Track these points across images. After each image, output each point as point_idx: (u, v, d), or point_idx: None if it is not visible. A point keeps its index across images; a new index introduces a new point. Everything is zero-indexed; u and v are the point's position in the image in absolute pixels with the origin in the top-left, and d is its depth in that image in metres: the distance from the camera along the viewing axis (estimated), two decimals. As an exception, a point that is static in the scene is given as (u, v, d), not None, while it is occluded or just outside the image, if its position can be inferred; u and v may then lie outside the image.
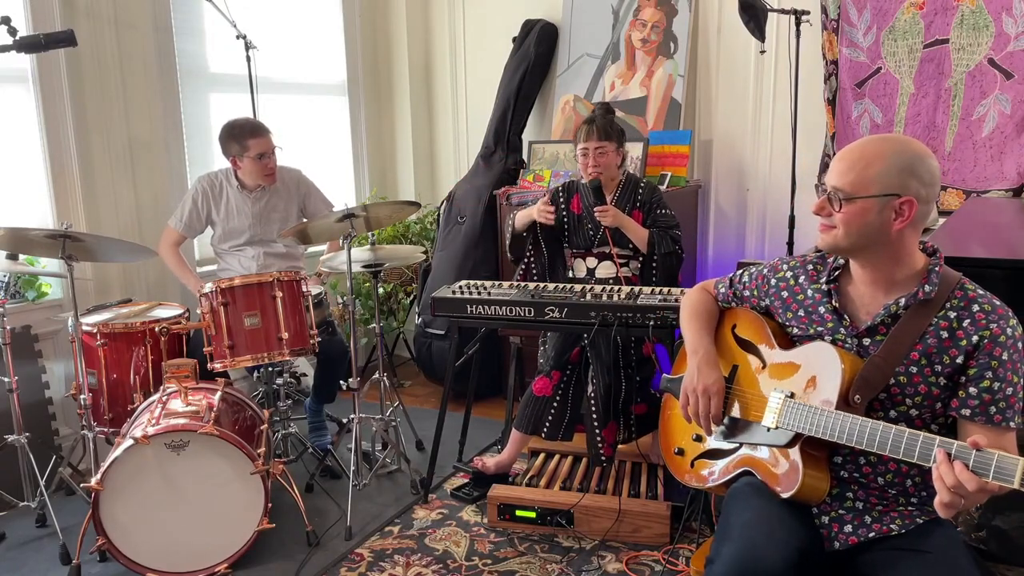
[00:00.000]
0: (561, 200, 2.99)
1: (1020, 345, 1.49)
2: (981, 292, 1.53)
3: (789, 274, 1.74)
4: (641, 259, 2.91)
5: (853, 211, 1.52)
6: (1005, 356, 1.47)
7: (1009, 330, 1.48)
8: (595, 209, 2.80)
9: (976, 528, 2.25)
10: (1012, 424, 1.48)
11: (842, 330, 1.61)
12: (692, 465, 1.82)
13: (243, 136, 3.13)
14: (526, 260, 3.06)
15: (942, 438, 1.35)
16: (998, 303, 1.51)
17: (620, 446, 2.85)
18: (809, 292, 1.69)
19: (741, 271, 1.87)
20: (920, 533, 1.53)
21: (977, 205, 3.07)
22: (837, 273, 1.66)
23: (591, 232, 2.92)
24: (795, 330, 1.70)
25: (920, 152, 1.52)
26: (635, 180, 2.97)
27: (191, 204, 3.23)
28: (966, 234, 2.51)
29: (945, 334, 1.50)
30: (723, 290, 1.89)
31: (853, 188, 1.52)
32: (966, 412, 1.49)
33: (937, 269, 1.54)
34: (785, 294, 1.73)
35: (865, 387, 1.52)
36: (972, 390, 1.48)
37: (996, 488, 1.29)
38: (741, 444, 1.70)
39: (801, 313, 1.69)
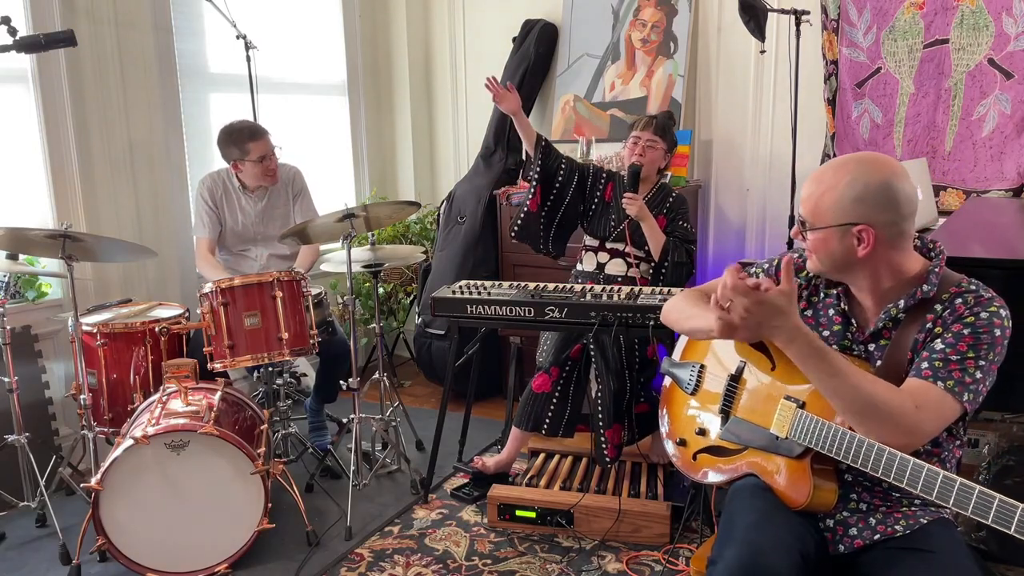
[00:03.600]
0: (601, 182, 3.00)
1: (996, 332, 1.45)
2: (973, 288, 1.51)
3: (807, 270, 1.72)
4: (654, 261, 2.91)
5: (816, 240, 1.54)
6: (966, 331, 1.45)
7: (984, 315, 1.46)
8: (625, 195, 2.81)
9: (976, 528, 2.25)
10: (942, 385, 1.43)
11: (848, 335, 1.60)
12: (694, 458, 1.80)
13: (242, 140, 3.13)
14: (533, 194, 2.99)
15: (963, 479, 1.31)
16: (987, 295, 1.49)
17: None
18: (822, 295, 1.68)
19: (753, 269, 1.82)
20: (922, 533, 1.52)
21: (977, 205, 3.07)
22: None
23: (612, 224, 2.93)
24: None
25: (880, 177, 1.48)
26: (668, 190, 2.99)
27: (205, 207, 3.23)
28: (966, 234, 2.51)
29: (929, 325, 1.50)
30: None
31: (812, 217, 1.54)
32: (911, 373, 1.48)
33: (937, 270, 1.53)
34: (804, 292, 1.71)
35: None
36: (922, 352, 1.48)
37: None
38: (747, 446, 1.67)
39: (808, 312, 1.68)
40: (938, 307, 1.51)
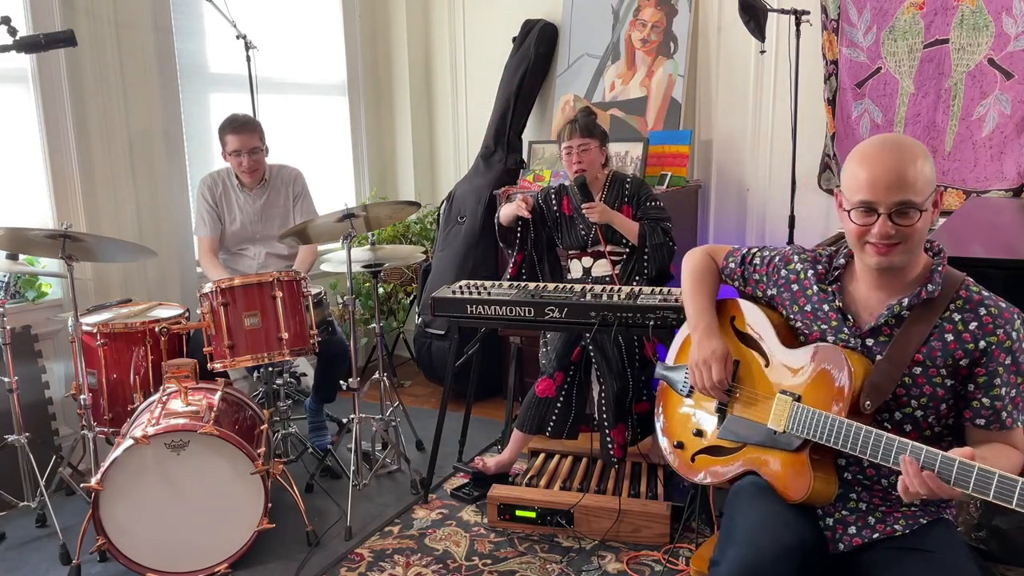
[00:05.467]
0: (553, 201, 3.01)
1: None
2: (987, 294, 1.52)
3: (799, 267, 1.72)
4: (628, 250, 2.90)
5: (924, 220, 1.48)
6: (1010, 360, 1.48)
7: (1015, 333, 1.48)
8: (583, 206, 2.81)
9: (976, 528, 2.25)
10: (1020, 424, 1.49)
11: (845, 330, 1.61)
12: (693, 460, 1.80)
13: (223, 131, 3.18)
14: (515, 261, 3.06)
15: (944, 453, 1.33)
16: (1004, 305, 1.50)
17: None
18: (815, 288, 1.67)
19: (754, 251, 1.83)
20: (922, 532, 1.53)
21: (977, 205, 3.07)
22: (838, 272, 1.65)
23: (583, 232, 2.93)
24: (798, 323, 1.70)
25: (924, 147, 1.52)
26: (621, 177, 2.99)
27: (205, 206, 3.26)
28: (966, 234, 2.51)
29: (950, 336, 1.50)
30: (732, 265, 1.85)
31: (922, 196, 1.46)
32: (980, 423, 1.50)
33: (940, 269, 1.53)
34: (795, 287, 1.71)
35: (875, 392, 1.51)
36: (985, 400, 1.49)
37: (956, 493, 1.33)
38: (745, 444, 1.68)
39: (808, 308, 1.68)
40: (956, 315, 1.50)
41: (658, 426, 1.93)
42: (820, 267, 1.69)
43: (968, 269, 1.61)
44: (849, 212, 1.51)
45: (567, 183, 3.03)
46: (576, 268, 3.00)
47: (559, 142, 2.93)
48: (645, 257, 2.85)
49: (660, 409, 1.93)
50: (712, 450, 1.76)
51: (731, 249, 1.89)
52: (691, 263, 1.90)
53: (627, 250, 2.91)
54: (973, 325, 1.49)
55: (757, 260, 1.81)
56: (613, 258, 2.91)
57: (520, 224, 3.00)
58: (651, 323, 2.48)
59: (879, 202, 1.46)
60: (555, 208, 3.00)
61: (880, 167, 1.46)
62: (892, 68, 3.40)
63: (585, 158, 2.86)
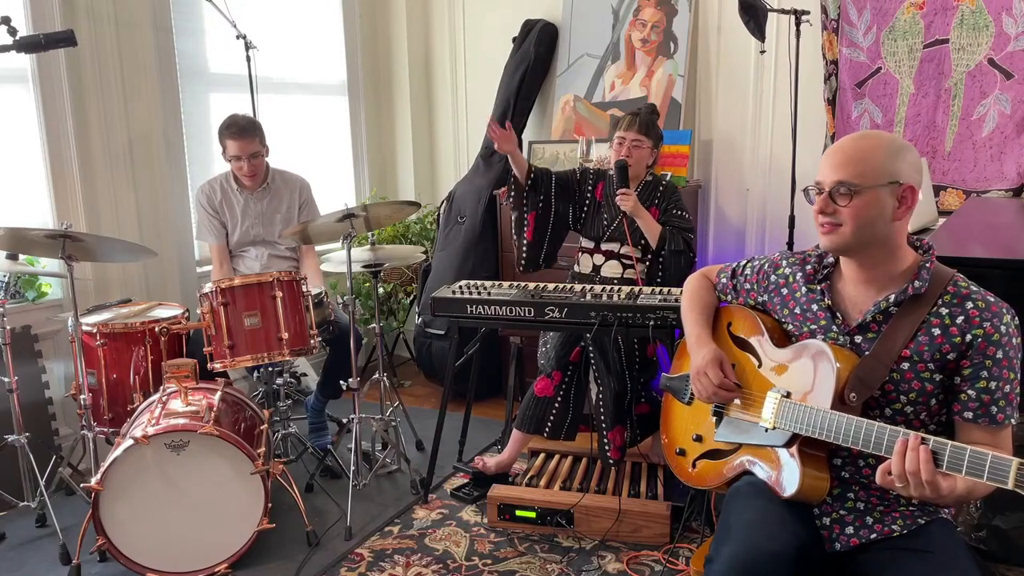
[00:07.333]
0: (589, 182, 3.01)
1: (1015, 340, 1.49)
2: (975, 288, 1.52)
3: (788, 271, 1.74)
4: (649, 257, 2.90)
5: (862, 203, 1.50)
6: (1000, 354, 1.47)
7: (1003, 327, 1.47)
8: (618, 191, 2.81)
9: (976, 528, 2.25)
10: (1012, 420, 1.48)
11: (834, 328, 1.62)
12: (694, 466, 1.82)
13: (223, 135, 3.16)
14: (529, 224, 3.03)
15: (936, 439, 1.34)
16: (992, 299, 1.50)
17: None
18: (804, 290, 1.69)
19: (744, 262, 1.87)
20: (921, 533, 1.53)
21: (977, 205, 3.07)
22: (827, 271, 1.66)
23: (605, 223, 2.93)
24: (790, 326, 1.71)
25: (903, 142, 1.55)
26: (657, 179, 2.99)
27: (206, 215, 3.27)
28: (966, 234, 2.51)
29: (937, 331, 1.50)
30: (723, 280, 1.89)
31: (861, 179, 1.49)
32: (968, 415, 1.49)
33: (928, 265, 1.54)
34: (785, 291, 1.73)
35: (860, 386, 1.52)
36: (971, 392, 1.48)
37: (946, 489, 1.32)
38: (741, 444, 1.70)
39: (797, 311, 1.70)
40: (944, 310, 1.50)
41: (662, 434, 1.95)
42: (809, 267, 1.70)
43: (968, 269, 1.61)
44: (807, 192, 1.59)
45: (607, 169, 3.03)
46: (586, 263, 2.99)
47: (615, 128, 2.94)
48: (660, 263, 2.85)
49: (663, 418, 1.96)
50: (711, 454, 1.78)
51: (723, 266, 1.93)
52: (687, 285, 1.96)
53: (639, 255, 2.90)
54: (960, 319, 1.49)
55: (748, 270, 1.85)
56: (625, 261, 2.91)
57: (527, 183, 2.97)
58: (651, 323, 2.48)
59: (824, 181, 1.54)
60: (589, 189, 3.00)
61: (835, 150, 1.54)
62: (892, 68, 3.40)
63: (634, 153, 2.87)
